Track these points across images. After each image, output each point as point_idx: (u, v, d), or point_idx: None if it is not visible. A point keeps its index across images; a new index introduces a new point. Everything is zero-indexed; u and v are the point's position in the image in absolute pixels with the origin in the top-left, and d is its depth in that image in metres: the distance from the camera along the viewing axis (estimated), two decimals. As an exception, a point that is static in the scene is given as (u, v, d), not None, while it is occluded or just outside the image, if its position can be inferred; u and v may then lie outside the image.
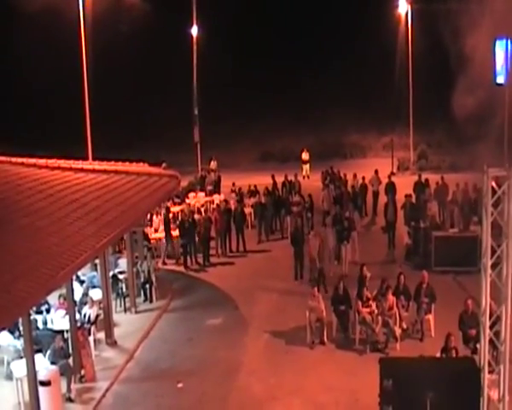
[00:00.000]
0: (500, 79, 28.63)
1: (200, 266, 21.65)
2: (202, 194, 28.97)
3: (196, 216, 22.83)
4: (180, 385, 13.47)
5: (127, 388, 13.56)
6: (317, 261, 18.65)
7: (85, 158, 23.84)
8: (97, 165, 19.50)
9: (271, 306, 17.68)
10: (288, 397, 12.81)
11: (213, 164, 34.14)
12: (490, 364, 8.72)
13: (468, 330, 13.27)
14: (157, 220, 23.75)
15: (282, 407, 12.50)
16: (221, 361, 14.52)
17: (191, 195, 28.24)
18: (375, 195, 26.71)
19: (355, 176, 27.04)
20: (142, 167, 20.81)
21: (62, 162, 18.25)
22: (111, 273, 17.22)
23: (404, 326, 15.22)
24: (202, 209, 24.56)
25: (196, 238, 21.85)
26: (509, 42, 26.58)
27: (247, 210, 25.30)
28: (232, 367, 14.22)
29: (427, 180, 25.34)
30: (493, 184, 8.62)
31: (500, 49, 28.28)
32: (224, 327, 16.56)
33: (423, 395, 8.23)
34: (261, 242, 24.03)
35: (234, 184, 27.15)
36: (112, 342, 15.44)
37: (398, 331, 14.65)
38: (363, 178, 26.80)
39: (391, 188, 25.14)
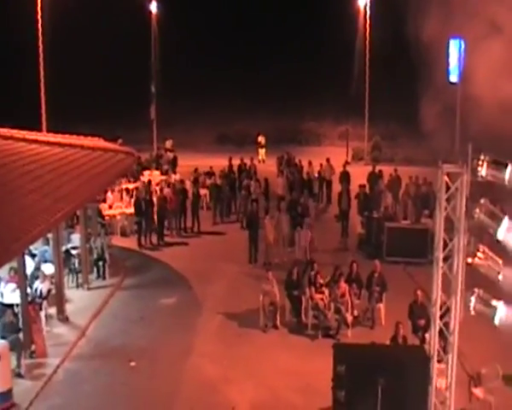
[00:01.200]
0: (453, 78, 29.28)
1: (154, 245, 21.56)
2: (157, 172, 28.74)
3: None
4: (133, 364, 13.44)
5: (78, 365, 13.46)
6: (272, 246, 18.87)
7: (39, 130, 23.30)
8: (52, 137, 19.11)
9: (225, 288, 17.79)
10: (240, 380, 12.94)
11: (169, 143, 33.84)
12: (438, 353, 9.02)
13: (417, 319, 13.63)
14: (111, 197, 23.52)
15: (234, 390, 12.60)
16: (173, 342, 14.54)
17: (146, 173, 27.98)
18: (328, 183, 27.03)
19: (310, 163, 27.29)
20: (98, 142, 20.49)
21: (15, 132, 17.80)
22: (63, 248, 16.99)
23: (356, 314, 15.52)
24: (157, 188, 24.37)
25: (152, 217, 21.73)
26: (462, 42, 27.20)
27: (203, 191, 25.26)
28: (184, 348, 14.26)
29: (380, 171, 25.76)
30: (447, 179, 8.86)
31: (454, 48, 28.93)
32: (178, 307, 16.58)
33: (375, 380, 8.47)
34: (216, 224, 24.07)
35: (196, 170, 26.93)
36: (63, 318, 15.28)
37: (349, 318, 14.96)
38: (321, 165, 27.08)
39: (345, 177, 25.49)
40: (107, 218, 22.11)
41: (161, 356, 13.87)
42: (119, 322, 15.60)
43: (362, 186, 23.11)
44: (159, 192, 23.26)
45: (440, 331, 9.04)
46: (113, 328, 15.24)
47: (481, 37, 10.26)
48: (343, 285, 15.20)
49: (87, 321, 15.34)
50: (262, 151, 35.39)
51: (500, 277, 8.63)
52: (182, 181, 24.45)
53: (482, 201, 8.61)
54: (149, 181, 24.15)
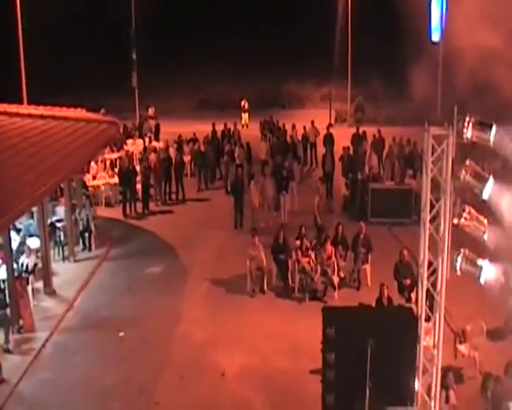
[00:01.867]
0: (435, 37, 29.02)
1: (139, 214, 21.36)
2: (140, 141, 28.39)
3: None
4: (121, 334, 13.40)
5: (67, 337, 13.38)
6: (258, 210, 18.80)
7: (20, 102, 22.78)
8: (33, 110, 18.71)
9: (211, 254, 17.71)
10: (228, 344, 12.96)
11: (151, 111, 33.37)
12: (425, 312, 9.00)
13: (402, 279, 13.69)
14: (95, 167, 23.21)
15: (222, 354, 12.63)
16: (161, 310, 14.50)
17: (129, 142, 27.62)
18: (313, 146, 26.86)
19: (294, 126, 27.05)
20: (80, 113, 20.14)
21: (-4, 106, 17.44)
22: (48, 221, 16.76)
23: (342, 275, 15.56)
24: (141, 157, 24.07)
25: (136, 186, 21.50)
26: (444, 0, 26.88)
27: (187, 158, 25.02)
28: (172, 315, 14.23)
29: (364, 133, 25.66)
30: (433, 141, 8.73)
31: (436, 6, 28.58)
32: (164, 275, 16.50)
33: (364, 342, 8.42)
34: (201, 190, 23.89)
35: (179, 137, 26.57)
36: (50, 292, 15.14)
37: (336, 280, 14.99)
38: (305, 127, 26.87)
39: (329, 139, 25.31)
40: (91, 189, 21.83)
41: (150, 325, 13.83)
42: (107, 293, 15.51)
43: (346, 148, 23.00)
44: (142, 161, 22.97)
45: (427, 291, 9.01)
46: (100, 299, 15.15)
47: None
48: (329, 248, 15.19)
49: (74, 293, 15.22)
50: (245, 116, 35.04)
51: (485, 236, 8.59)
52: (166, 149, 24.14)
53: (467, 162, 8.52)
54: (131, 151, 23.84)
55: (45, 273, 15.21)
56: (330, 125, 29.92)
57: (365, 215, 19.17)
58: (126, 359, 12.60)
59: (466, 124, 8.31)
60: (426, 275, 8.91)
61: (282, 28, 41.58)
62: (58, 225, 17.58)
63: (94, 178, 22.75)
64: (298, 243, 15.52)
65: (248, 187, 19.83)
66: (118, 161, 23.48)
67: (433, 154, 8.64)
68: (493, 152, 8.46)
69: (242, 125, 33.65)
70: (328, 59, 38.26)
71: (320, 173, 23.53)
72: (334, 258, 15.15)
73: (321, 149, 25.01)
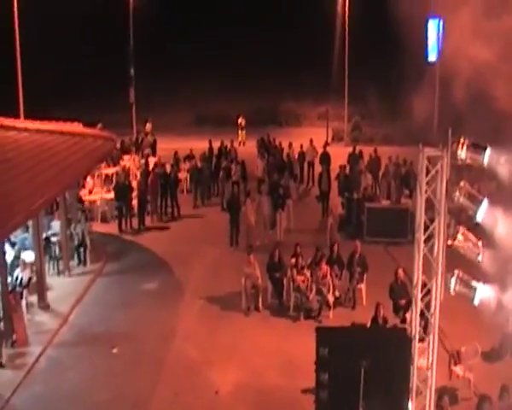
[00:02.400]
0: (432, 57, 29.36)
1: (135, 229, 21.40)
2: (137, 157, 28.46)
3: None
4: (115, 350, 13.38)
5: (61, 352, 13.36)
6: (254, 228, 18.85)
7: (16, 116, 22.88)
8: (30, 123, 18.78)
9: (207, 271, 17.74)
10: (222, 361, 12.97)
11: (149, 126, 33.52)
12: (419, 333, 9.06)
13: (397, 299, 13.72)
14: (91, 182, 23.27)
15: (216, 371, 12.64)
16: (156, 326, 14.50)
17: (126, 157, 27.71)
18: (310, 165, 26.98)
19: (290, 145, 27.14)
20: (77, 128, 20.21)
21: (-8, 120, 17.49)
22: (44, 235, 16.78)
23: (337, 294, 15.55)
24: (138, 173, 24.14)
25: (132, 201, 21.56)
26: (440, 21, 27.19)
27: (183, 175, 25.07)
28: (167, 332, 14.23)
29: (360, 152, 25.79)
30: (427, 163, 8.85)
31: (432, 28, 28.94)
32: (159, 292, 16.51)
33: (358, 362, 8.46)
34: (197, 207, 23.94)
35: (176, 154, 26.66)
36: (45, 306, 15.13)
37: (331, 299, 15.01)
38: (302, 146, 27.00)
39: (325, 158, 25.43)
40: (87, 203, 21.87)
41: (144, 341, 13.82)
42: (101, 308, 15.50)
43: (342, 167, 23.12)
44: (139, 177, 23.04)
45: (421, 312, 9.07)
46: (95, 314, 15.15)
47: (458, 14, 10.21)
48: (324, 267, 15.23)
49: (69, 308, 15.21)
50: (242, 133, 35.19)
51: (479, 258, 8.68)
52: (162, 165, 24.23)
53: (462, 183, 8.63)
54: (127, 166, 23.91)
55: (39, 287, 15.21)
56: (327, 143, 30.12)
57: (361, 234, 19.24)
58: (120, 374, 12.59)
59: (460, 145, 8.45)
60: (420, 296, 8.99)
61: (280, 46, 41.89)
62: (53, 239, 17.59)
63: (90, 192, 22.80)
64: (293, 261, 15.55)
65: (244, 204, 19.90)
66: (114, 176, 23.52)
67: (427, 175, 8.76)
68: (490, 173, 8.58)
69: (239, 143, 33.78)
70: (326, 78, 38.58)
71: (316, 192, 23.68)
72: (329, 277, 15.18)
73: (317, 168, 25.10)
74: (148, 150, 28.84)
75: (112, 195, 21.90)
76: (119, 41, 35.61)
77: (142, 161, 25.64)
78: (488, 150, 8.33)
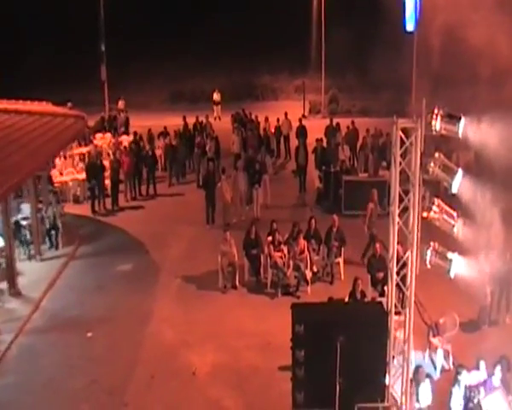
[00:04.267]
0: (410, 27, 29.14)
1: (109, 210, 21.14)
2: (109, 135, 28.04)
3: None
4: (90, 335, 13.25)
5: (33, 339, 13.19)
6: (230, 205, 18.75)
7: (-18, 96, 22.36)
8: (-4, 104, 18.38)
9: (183, 251, 17.62)
10: (200, 343, 12.91)
11: (121, 104, 33.02)
12: (396, 307, 9.06)
13: (376, 273, 13.76)
14: (62, 162, 22.91)
15: (194, 353, 12.58)
16: (132, 309, 14.38)
17: (98, 136, 27.29)
18: (286, 139, 26.85)
19: (267, 119, 26.96)
20: (46, 107, 19.83)
21: (-44, 101, 17.09)
22: (13, 219, 16.49)
23: (315, 270, 15.62)
24: (111, 152, 23.78)
25: (105, 181, 21.28)
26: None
27: (157, 152, 24.81)
28: (143, 314, 14.12)
29: (338, 124, 25.66)
30: (401, 134, 8.77)
31: (410, -3, 28.70)
32: (135, 273, 16.36)
33: (334, 339, 8.43)
34: (172, 185, 23.75)
35: (150, 131, 26.33)
36: (16, 293, 14.88)
37: (308, 275, 15.01)
38: (278, 120, 26.82)
39: (302, 132, 25.29)
40: (58, 185, 21.51)
41: (119, 324, 13.71)
42: (75, 292, 15.31)
43: (319, 140, 23.02)
44: (112, 155, 22.69)
45: (397, 285, 9.06)
46: (68, 299, 14.96)
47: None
48: (302, 242, 15.20)
49: (41, 294, 15.00)
50: (217, 108, 34.87)
51: (455, 229, 8.66)
52: (136, 142, 23.93)
53: (436, 155, 8.58)
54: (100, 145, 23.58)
55: (9, 273, 14.97)
56: (304, 116, 30.01)
57: (339, 208, 19.22)
58: (95, 360, 12.48)
59: (434, 116, 8.37)
60: (395, 269, 8.97)
61: (255, 20, 41.39)
62: (23, 223, 17.28)
63: (61, 174, 22.44)
64: (270, 238, 15.50)
65: (220, 181, 19.74)
66: (86, 156, 23.18)
67: (401, 146, 8.69)
68: (467, 143, 8.53)
69: (215, 118, 33.49)
70: (302, 51, 38.28)
71: (293, 166, 23.57)
72: (306, 252, 15.15)
73: (294, 142, 24.99)
74: (122, 129, 28.45)
75: (84, 175, 21.58)
76: (90, 17, 34.90)
77: (116, 139, 25.26)
78: (462, 121, 8.27)
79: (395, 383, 9.18)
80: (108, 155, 23.48)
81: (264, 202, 20.49)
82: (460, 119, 8.27)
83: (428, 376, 10.33)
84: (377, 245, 14.12)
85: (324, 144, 23.29)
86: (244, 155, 23.40)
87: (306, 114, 34.52)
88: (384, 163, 21.84)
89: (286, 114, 27.25)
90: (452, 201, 8.96)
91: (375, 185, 19.45)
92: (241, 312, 14.20)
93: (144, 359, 12.52)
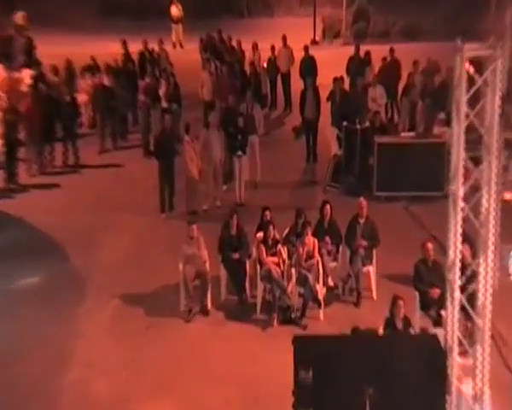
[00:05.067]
0: None
1: (3, 189, 21.24)
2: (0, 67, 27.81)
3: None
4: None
5: None
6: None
7: None
8: None
9: (123, 254, 17.77)
10: (150, 399, 12.96)
11: (20, 17, 32.66)
12: (461, 343, 9.13)
13: (428, 288, 13.83)
14: None
15: (142, 415, 12.72)
16: (42, 345, 14.40)
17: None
18: (285, 78, 26.96)
19: (255, 47, 27.07)
20: None
21: None
22: None
23: (331, 283, 15.73)
24: (2, 95, 23.65)
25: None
26: None
27: (81, 98, 24.80)
28: (62, 353, 14.17)
29: (368, 55, 25.76)
30: (470, 68, 8.77)
31: None
32: (48, 290, 16.42)
33: (360, 393, 8.53)
34: (105, 151, 23.88)
35: (69, 63, 26.20)
36: None
37: (321, 292, 15.07)
38: (273, 48, 26.90)
39: (309, 66, 25.51)
40: None
41: (27, 366, 13.73)
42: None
43: (338, 80, 23.05)
44: (4, 101, 22.62)
45: (464, 308, 9.12)
46: None
47: None
48: (310, 240, 15.25)
49: None
50: (177, 29, 34.93)
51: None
52: (45, 81, 23.86)
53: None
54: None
55: None
56: (314, 42, 30.03)
57: (368, 188, 19.43)
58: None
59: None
60: (459, 283, 9.02)
61: None
62: None
63: None
64: (261, 234, 15.57)
65: (182, 146, 19.79)
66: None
67: (470, 89, 8.71)
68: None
69: (174, 45, 33.60)
70: None
71: (297, 122, 23.61)
72: (317, 257, 15.23)
73: (298, 83, 24.97)
74: (22, 57, 28.32)
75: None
76: None
77: (11, 74, 25.22)
78: None
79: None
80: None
81: (251, 179, 20.60)
82: None
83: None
84: (428, 245, 14.19)
85: (346, 87, 23.35)
86: (220, 104, 23.43)
87: (318, 38, 34.60)
88: (441, 115, 21.90)
89: (285, 38, 27.40)
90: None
91: (428, 151, 19.62)
92: (215, 349, 14.22)
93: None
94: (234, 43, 28.98)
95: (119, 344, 14.51)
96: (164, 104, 23.70)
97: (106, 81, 24.72)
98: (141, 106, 24.08)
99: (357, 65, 25.37)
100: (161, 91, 24.12)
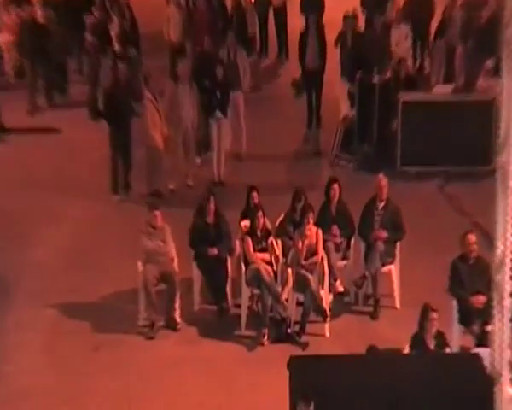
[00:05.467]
0: None
1: None
2: None
3: None
4: None
5: None
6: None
7: None
8: None
9: (64, 249, 17.87)
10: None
11: None
12: (512, 365, 9.21)
13: (469, 295, 13.91)
14: None
15: None
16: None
17: None
18: (279, 14, 27.13)
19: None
20: None
21: None
22: None
23: (340, 288, 15.78)
24: None
25: None
26: None
27: (5, 37, 24.82)
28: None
29: (389, -18, 25.83)
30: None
31: None
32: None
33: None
34: (37, 110, 23.97)
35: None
36: None
37: (326, 299, 15.16)
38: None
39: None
40: None
41: None
42: None
43: (350, 17, 23.04)
44: None
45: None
46: None
47: None
48: (312, 231, 15.33)
49: None
50: None
51: None
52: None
53: None
54: None
55: None
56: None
57: (390, 160, 19.54)
58: None
59: None
60: (510, 288, 9.08)
61: None
62: None
63: None
64: (246, 223, 15.67)
65: (141, 104, 19.84)
66: None
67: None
68: None
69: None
70: None
71: (295, 73, 23.66)
72: (322, 252, 15.32)
73: (296, 21, 25.05)
74: None
75: None
76: None
77: None
78: None
79: None
80: None
81: (233, 149, 20.68)
82: None
83: None
84: (470, 237, 14.24)
85: (361, 26, 23.39)
86: (192, 48, 23.42)
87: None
88: (489, 63, 21.93)
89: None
90: None
91: (470, 111, 19.63)
92: (186, 376, 14.31)
93: None
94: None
95: (58, 371, 14.54)
96: (117, 48, 23.62)
97: (39, 16, 24.67)
98: (87, 50, 24.02)
99: (374, -2, 25.42)
100: (113, 31, 24.10)
